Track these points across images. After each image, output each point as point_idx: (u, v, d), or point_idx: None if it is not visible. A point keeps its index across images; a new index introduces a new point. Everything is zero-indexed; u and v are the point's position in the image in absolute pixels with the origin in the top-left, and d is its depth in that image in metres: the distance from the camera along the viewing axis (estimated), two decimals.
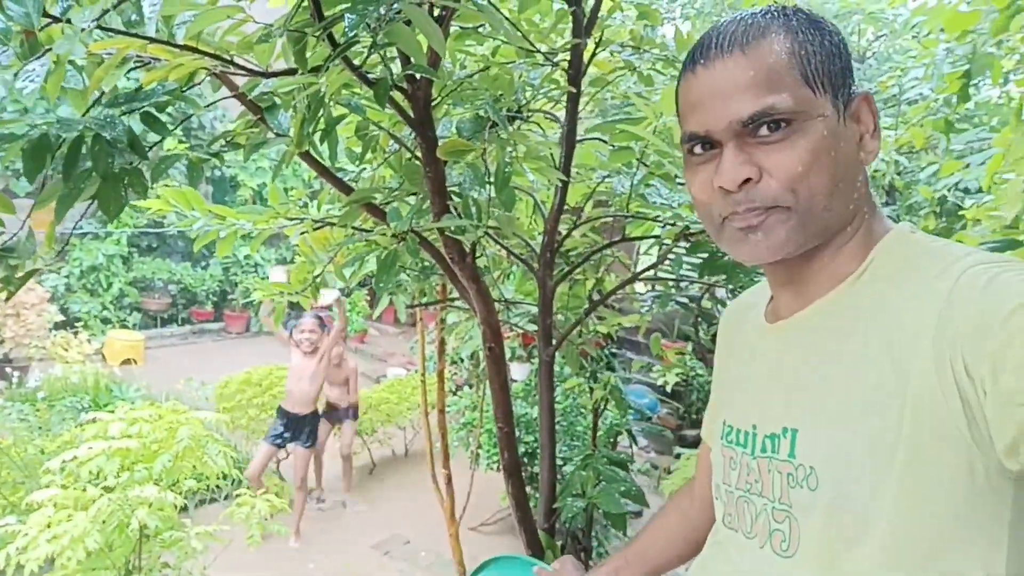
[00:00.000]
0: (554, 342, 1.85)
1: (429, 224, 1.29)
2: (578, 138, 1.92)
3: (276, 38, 0.92)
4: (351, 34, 0.80)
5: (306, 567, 4.65)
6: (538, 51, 1.74)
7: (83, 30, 0.77)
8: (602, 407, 2.65)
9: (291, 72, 1.19)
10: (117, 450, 2.40)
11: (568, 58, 1.83)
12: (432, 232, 1.50)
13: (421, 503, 5.37)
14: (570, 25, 1.83)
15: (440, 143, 1.26)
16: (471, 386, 6.34)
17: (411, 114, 1.33)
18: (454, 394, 6.54)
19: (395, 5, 0.93)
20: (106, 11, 0.86)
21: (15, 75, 0.86)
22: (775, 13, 0.78)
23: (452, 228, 1.26)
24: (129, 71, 1.24)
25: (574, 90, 1.81)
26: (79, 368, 6.67)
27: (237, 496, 2.94)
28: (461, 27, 1.83)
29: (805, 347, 0.79)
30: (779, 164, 0.72)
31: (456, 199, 1.39)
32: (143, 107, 1.35)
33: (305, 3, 1.03)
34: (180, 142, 8.95)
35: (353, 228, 1.67)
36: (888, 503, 0.68)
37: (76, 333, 7.88)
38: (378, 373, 8.81)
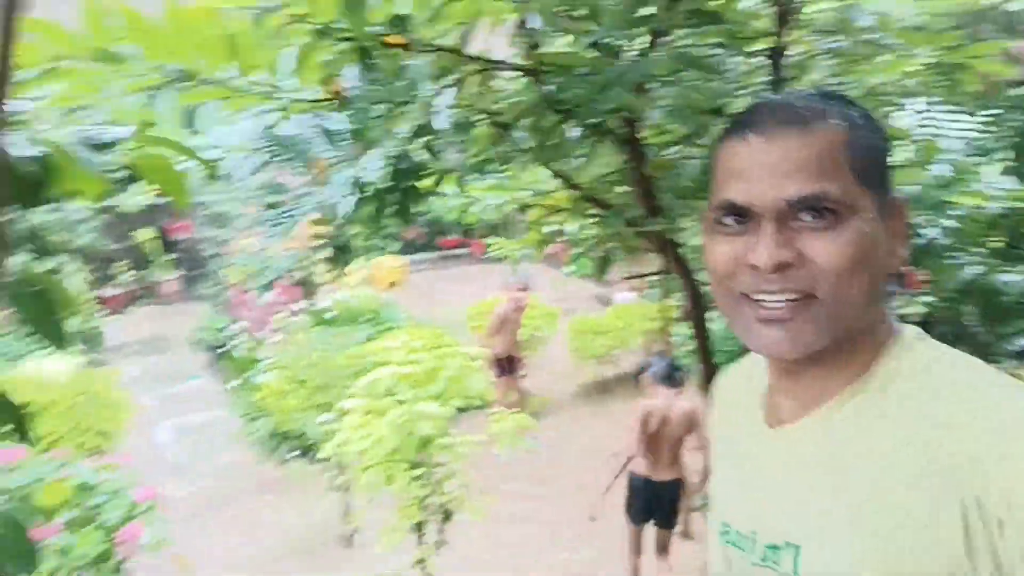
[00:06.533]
0: None
1: (634, 228, 1.65)
2: None
3: None
4: None
5: (546, 473, 5.35)
6: (741, 51, 1.94)
7: None
8: None
9: None
10: (403, 376, 3.11)
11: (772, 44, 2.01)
12: None
13: None
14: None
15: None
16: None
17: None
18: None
19: None
20: None
21: None
22: (835, 99, 0.76)
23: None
24: None
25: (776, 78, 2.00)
26: (357, 293, 7.93)
27: (492, 413, 3.60)
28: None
29: (808, 459, 0.77)
30: (822, 253, 0.70)
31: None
32: None
33: None
34: None
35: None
36: None
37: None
38: (608, 295, 9.30)
